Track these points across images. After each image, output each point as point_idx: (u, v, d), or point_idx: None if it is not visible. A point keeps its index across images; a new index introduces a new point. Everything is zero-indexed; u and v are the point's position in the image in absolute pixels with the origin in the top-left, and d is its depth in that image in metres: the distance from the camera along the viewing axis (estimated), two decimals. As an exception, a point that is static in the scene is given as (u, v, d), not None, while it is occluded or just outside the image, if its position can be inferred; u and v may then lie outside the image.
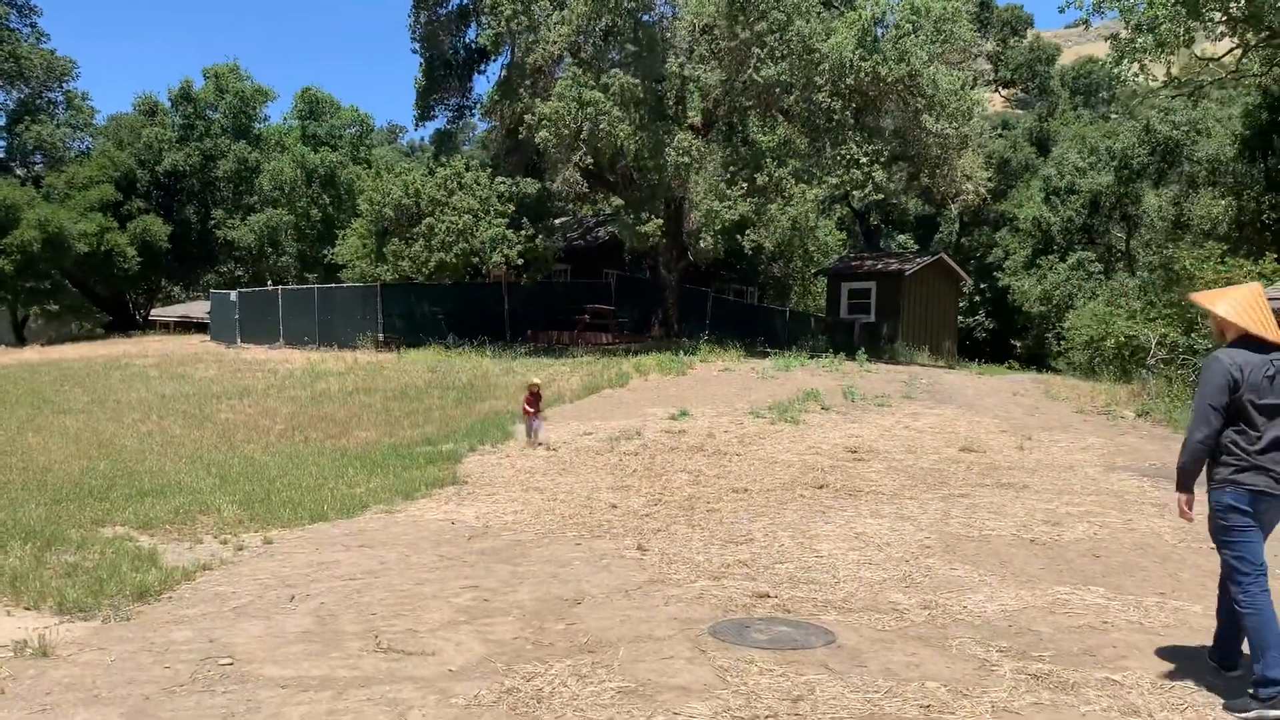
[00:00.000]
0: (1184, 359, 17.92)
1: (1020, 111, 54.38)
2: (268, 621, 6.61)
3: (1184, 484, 5.28)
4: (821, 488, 11.34)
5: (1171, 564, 7.99)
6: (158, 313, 60.33)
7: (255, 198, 48.11)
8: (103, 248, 43.81)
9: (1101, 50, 72.45)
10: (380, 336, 30.03)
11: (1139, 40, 21.69)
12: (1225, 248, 21.69)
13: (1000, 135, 45.97)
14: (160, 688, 5.28)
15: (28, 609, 7.10)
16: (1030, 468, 12.61)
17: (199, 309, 60.49)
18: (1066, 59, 57.94)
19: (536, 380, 16.16)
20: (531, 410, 15.12)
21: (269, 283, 45.33)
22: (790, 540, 8.79)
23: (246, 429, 17.60)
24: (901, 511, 9.89)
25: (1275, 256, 19.80)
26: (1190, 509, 5.31)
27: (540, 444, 14.57)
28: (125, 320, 52.61)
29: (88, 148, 51.44)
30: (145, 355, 31.92)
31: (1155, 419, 17.25)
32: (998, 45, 49.82)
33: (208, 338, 39.97)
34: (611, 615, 6.60)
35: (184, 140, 49.39)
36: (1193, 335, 18.09)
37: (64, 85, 51.36)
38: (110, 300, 52.46)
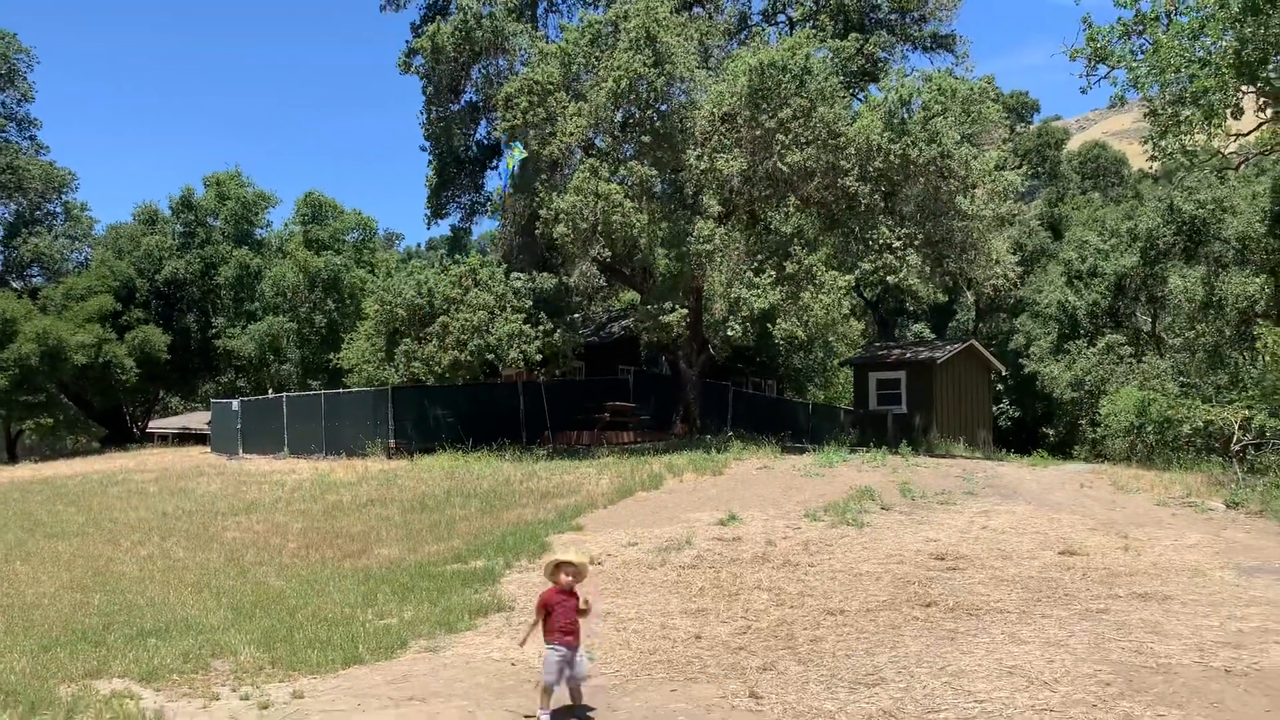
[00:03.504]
0: (1275, 444, 16.54)
1: (1017, 204, 54.10)
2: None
3: None
4: (929, 605, 9.83)
5: None
6: (155, 424, 58.85)
7: (257, 304, 47.07)
8: (101, 359, 42.55)
9: (1107, 134, 72.75)
10: (391, 443, 28.58)
11: (1184, 113, 20.83)
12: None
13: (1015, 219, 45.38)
14: None
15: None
16: (1151, 572, 11.12)
17: (198, 420, 59.01)
18: (1074, 145, 57.97)
19: (572, 557, 7.33)
20: (563, 621, 7.10)
21: (269, 391, 44.00)
22: (932, 679, 7.27)
23: (256, 549, 16.05)
24: (1043, 635, 8.38)
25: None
26: None
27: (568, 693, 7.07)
28: (122, 433, 51.07)
29: (86, 258, 50.65)
30: (144, 470, 30.40)
31: (1250, 510, 15.81)
32: (1007, 127, 49.74)
33: (208, 449, 38.49)
34: (761, 801, 5.08)
35: (185, 248, 48.58)
36: (1281, 418, 16.75)
37: (63, 196, 50.84)
38: (107, 413, 50.99)
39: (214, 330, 47.77)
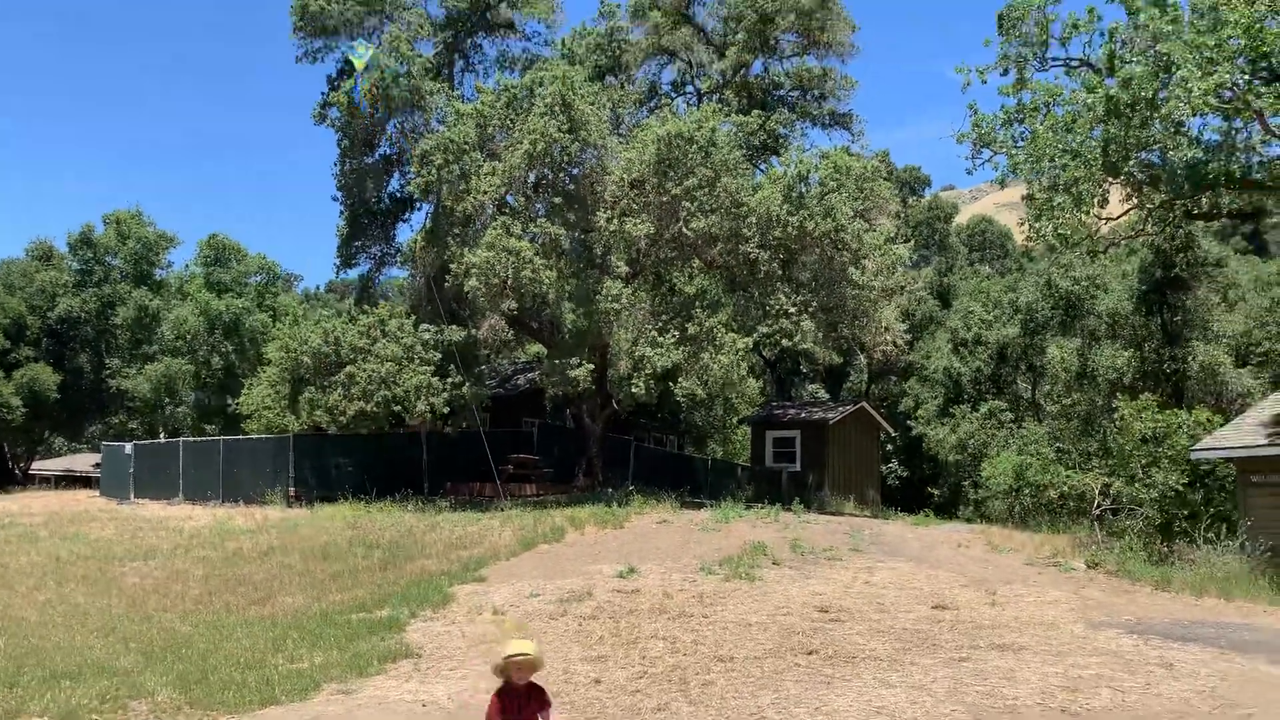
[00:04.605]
0: (1130, 509, 17.99)
1: (905, 275, 56.76)
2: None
3: None
4: (811, 654, 10.67)
5: (1222, 735, 7.53)
6: (37, 466, 56.83)
7: (155, 346, 46.27)
8: (-16, 397, 41.29)
9: (990, 211, 76.69)
10: (291, 491, 28.49)
11: (1056, 200, 22.59)
12: (1159, 399, 22.30)
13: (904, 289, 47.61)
14: None
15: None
16: (1012, 625, 12.17)
17: (82, 462, 57.21)
18: (962, 218, 61.09)
19: (527, 648, 5.95)
20: None
21: (162, 434, 43.16)
22: (808, 717, 8.07)
23: (159, 595, 16.10)
24: (910, 680, 9.28)
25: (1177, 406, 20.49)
26: None
27: None
28: (2, 475, 49.27)
29: (-26, 294, 49.12)
30: (29, 513, 29.57)
31: (1107, 569, 17.16)
32: (899, 202, 52.25)
33: (95, 493, 37.53)
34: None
35: (81, 286, 47.58)
36: (1136, 485, 18.22)
37: (-48, 228, 49.40)
38: (-14, 453, 49.24)
39: (108, 370, 46.70)
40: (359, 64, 27.07)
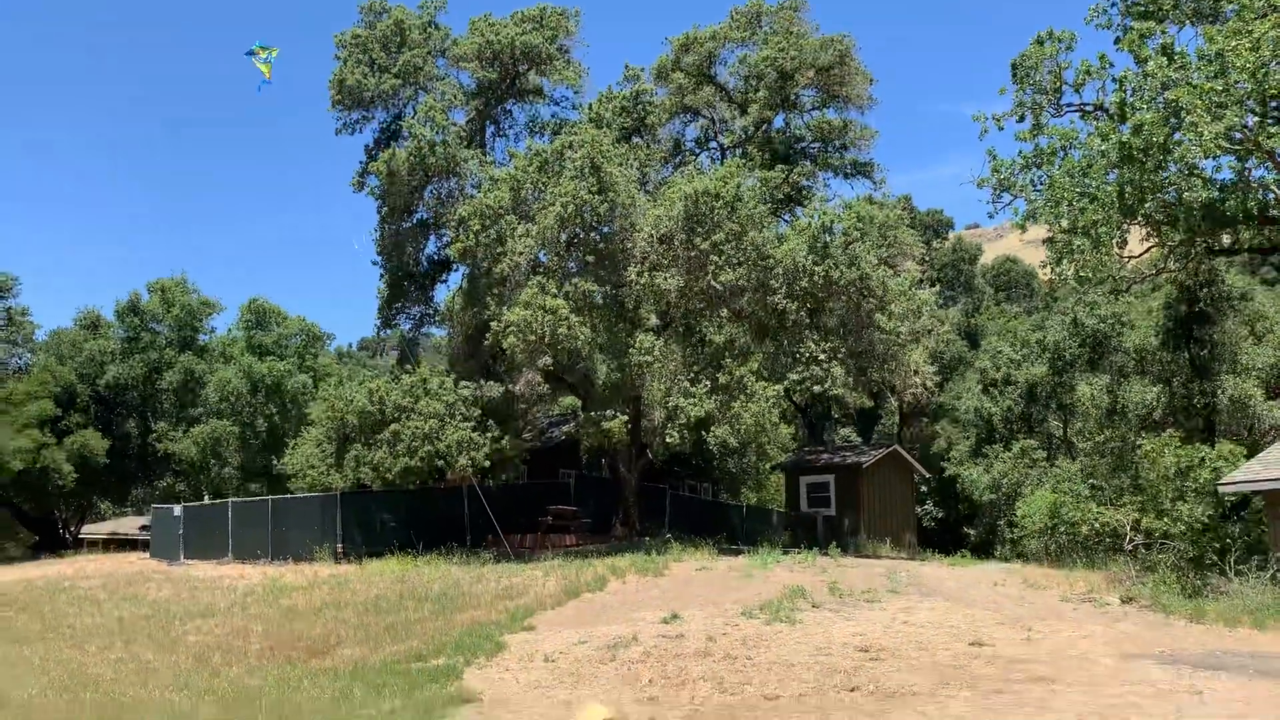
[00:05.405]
0: (1161, 542, 18.33)
1: (931, 319, 57.29)
2: None
3: None
4: (854, 690, 11.18)
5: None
6: (86, 530, 58.07)
7: (200, 409, 47.54)
8: (38, 464, 42.47)
9: (1015, 248, 77.19)
10: (339, 547, 29.25)
11: (1075, 242, 23.15)
12: (1181, 434, 22.65)
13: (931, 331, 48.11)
14: None
15: None
16: (1047, 660, 12.61)
17: (128, 525, 58.44)
18: (988, 257, 61.67)
19: (603, 713, 6.55)
20: None
21: (207, 495, 44.18)
22: (853, 747, 8.61)
23: (222, 651, 16.80)
24: (948, 711, 9.79)
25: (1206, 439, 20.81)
26: None
27: None
28: (53, 539, 50.44)
29: (26, 364, 50.69)
30: (85, 576, 30.51)
31: (1142, 604, 17.49)
32: (922, 247, 52.97)
33: (145, 555, 38.47)
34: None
35: (128, 353, 49.07)
36: (1165, 519, 18.57)
37: (4, 301, 51.07)
38: (38, 518, 50.42)
39: (154, 434, 47.97)
40: (265, 69, 27.96)
